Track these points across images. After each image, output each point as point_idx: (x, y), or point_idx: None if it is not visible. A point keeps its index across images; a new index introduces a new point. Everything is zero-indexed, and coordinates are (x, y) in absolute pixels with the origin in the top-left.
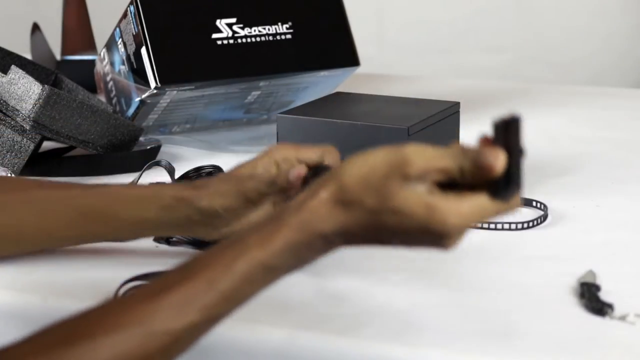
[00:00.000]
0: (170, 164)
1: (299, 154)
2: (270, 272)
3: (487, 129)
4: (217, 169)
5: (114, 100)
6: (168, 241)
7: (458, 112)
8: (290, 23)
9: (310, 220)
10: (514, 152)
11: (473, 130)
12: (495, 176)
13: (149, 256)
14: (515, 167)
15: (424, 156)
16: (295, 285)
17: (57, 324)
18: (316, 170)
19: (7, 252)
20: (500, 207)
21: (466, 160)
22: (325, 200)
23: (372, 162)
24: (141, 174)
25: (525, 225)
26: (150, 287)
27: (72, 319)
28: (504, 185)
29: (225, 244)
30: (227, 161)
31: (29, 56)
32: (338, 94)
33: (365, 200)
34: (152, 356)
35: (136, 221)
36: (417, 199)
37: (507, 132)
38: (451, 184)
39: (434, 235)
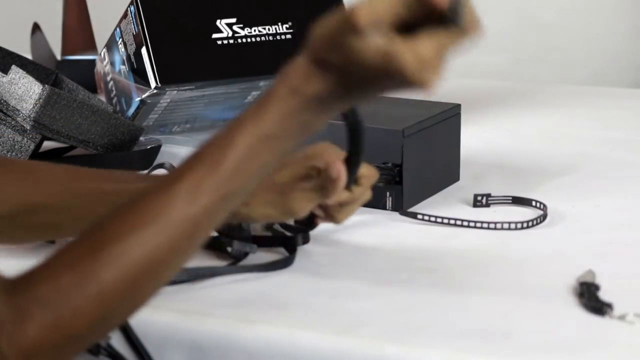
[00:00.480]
0: (173, 166)
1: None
2: (271, 142)
3: (487, 130)
4: None
5: (114, 100)
6: None
7: (459, 114)
8: (290, 23)
9: (297, 84)
10: None
11: (473, 130)
12: (441, 6)
13: None
14: None
15: (369, 5)
16: (295, 285)
17: (78, 239)
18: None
19: (50, 237)
20: (457, 34)
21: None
22: (304, 63)
23: (330, 21)
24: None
25: (525, 225)
26: (161, 181)
27: (92, 229)
28: (452, 10)
29: (223, 127)
30: None
31: (29, 56)
32: None
33: (331, 58)
34: (179, 244)
35: None
36: (373, 48)
37: None
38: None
39: (399, 81)
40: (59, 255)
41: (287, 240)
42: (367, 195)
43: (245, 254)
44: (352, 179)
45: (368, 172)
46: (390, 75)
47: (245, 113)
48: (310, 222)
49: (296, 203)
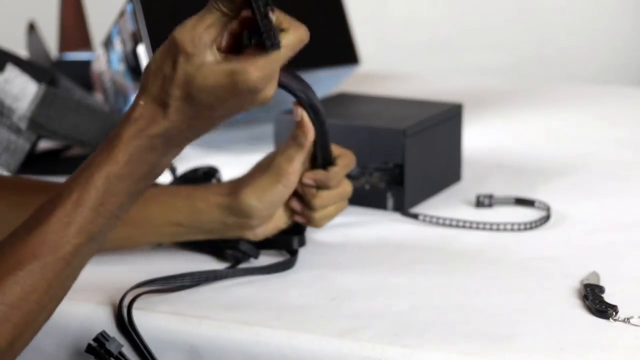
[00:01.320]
0: (173, 166)
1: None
2: (126, 181)
3: (490, 130)
4: (212, 170)
5: (112, 99)
6: None
7: (460, 113)
8: None
9: (142, 126)
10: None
11: (475, 129)
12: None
13: (151, 259)
14: (262, 19)
15: (188, 27)
16: (294, 287)
17: None
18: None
19: None
20: (283, 53)
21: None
22: (144, 106)
23: (156, 59)
24: None
25: (528, 226)
26: (30, 220)
27: None
28: (266, 38)
29: (80, 168)
30: (226, 161)
31: (25, 55)
32: (339, 94)
33: (173, 92)
34: (53, 282)
35: (171, 225)
36: (215, 69)
37: None
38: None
39: (245, 95)
40: None
41: (283, 243)
42: (346, 190)
43: (248, 257)
44: (326, 155)
45: (344, 153)
46: (238, 90)
47: (98, 155)
48: (296, 228)
49: (282, 164)
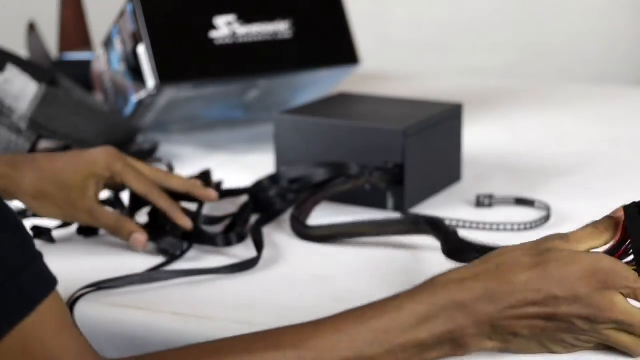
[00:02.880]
0: (171, 165)
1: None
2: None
3: (490, 130)
4: (206, 174)
5: (112, 99)
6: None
7: (460, 114)
8: (290, 21)
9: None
10: None
11: (476, 129)
12: None
13: (148, 259)
14: None
15: (622, 272)
16: (294, 287)
17: (211, 345)
18: None
19: None
20: None
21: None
22: (490, 313)
23: (578, 268)
24: None
25: (528, 226)
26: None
27: (229, 340)
28: None
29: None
30: (226, 160)
31: (25, 55)
32: (339, 94)
33: (574, 311)
34: None
35: None
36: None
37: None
38: None
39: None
40: (184, 354)
41: (211, 239)
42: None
43: (182, 252)
44: None
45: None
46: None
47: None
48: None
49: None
